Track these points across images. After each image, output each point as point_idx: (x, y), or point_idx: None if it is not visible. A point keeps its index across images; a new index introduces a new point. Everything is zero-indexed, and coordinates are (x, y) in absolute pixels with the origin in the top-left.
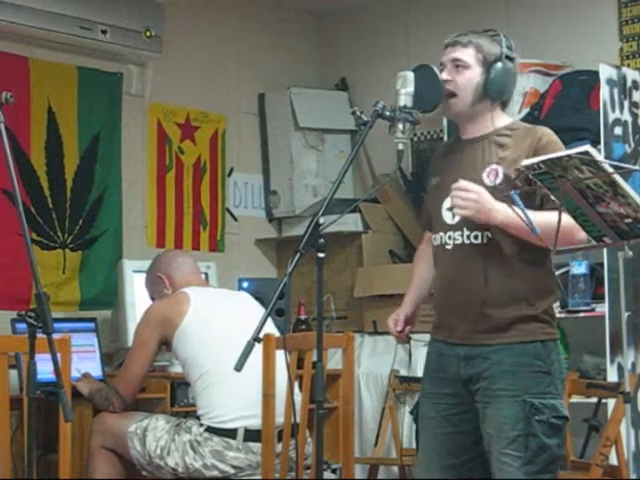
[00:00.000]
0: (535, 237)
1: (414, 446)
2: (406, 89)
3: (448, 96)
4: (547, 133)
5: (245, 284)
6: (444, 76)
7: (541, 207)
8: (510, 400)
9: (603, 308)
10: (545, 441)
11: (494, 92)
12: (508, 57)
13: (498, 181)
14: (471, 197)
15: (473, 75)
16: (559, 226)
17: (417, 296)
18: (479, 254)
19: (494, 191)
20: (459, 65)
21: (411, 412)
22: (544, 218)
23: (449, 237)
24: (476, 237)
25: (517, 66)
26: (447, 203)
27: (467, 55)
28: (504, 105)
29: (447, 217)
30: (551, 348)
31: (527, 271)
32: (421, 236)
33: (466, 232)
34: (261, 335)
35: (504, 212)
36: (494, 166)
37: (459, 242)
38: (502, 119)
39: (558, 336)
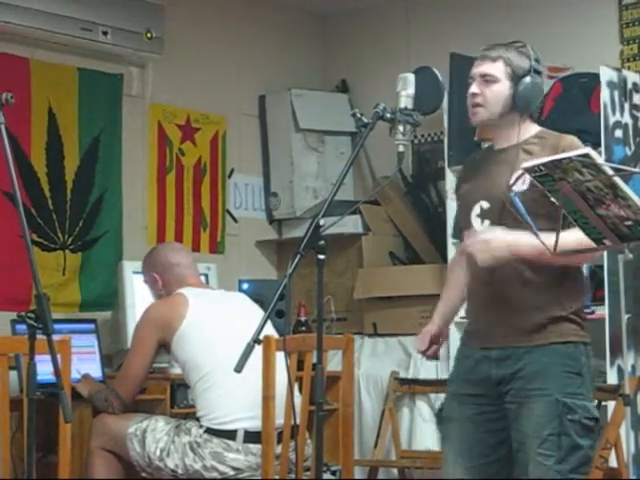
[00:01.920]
0: (560, 259)
1: (413, 448)
2: (406, 91)
3: (475, 106)
4: (571, 144)
5: (245, 285)
6: (473, 89)
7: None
8: (544, 399)
9: (603, 311)
10: (578, 441)
11: (522, 105)
12: (536, 71)
13: (525, 187)
14: (477, 248)
15: (502, 89)
16: (559, 230)
17: (446, 312)
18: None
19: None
20: (488, 79)
21: (436, 414)
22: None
23: None
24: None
25: (544, 78)
26: (477, 209)
27: (496, 69)
28: (532, 116)
29: (477, 223)
30: (582, 350)
31: (557, 273)
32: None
33: None
34: (261, 337)
35: (525, 241)
36: (520, 172)
37: None
38: (531, 129)
39: (589, 340)
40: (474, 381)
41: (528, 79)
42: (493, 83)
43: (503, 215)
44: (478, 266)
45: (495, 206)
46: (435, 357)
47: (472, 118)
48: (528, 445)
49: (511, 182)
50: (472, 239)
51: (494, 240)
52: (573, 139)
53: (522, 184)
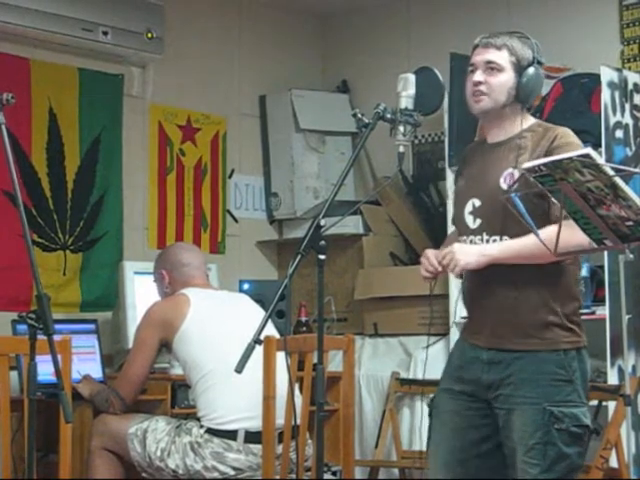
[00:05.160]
0: (535, 258)
1: (414, 448)
2: (407, 91)
3: (478, 94)
4: (563, 134)
5: (246, 286)
6: (477, 77)
7: (549, 209)
8: (530, 408)
9: (604, 311)
10: (564, 450)
11: (525, 96)
12: (539, 62)
13: (511, 182)
14: (449, 257)
15: (507, 78)
16: (560, 229)
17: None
18: None
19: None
20: (493, 67)
21: (428, 405)
22: (546, 234)
23: (471, 241)
24: (495, 242)
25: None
26: (469, 207)
27: (501, 58)
28: (529, 109)
29: (469, 221)
30: (573, 356)
31: (548, 276)
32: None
33: (485, 237)
34: (261, 337)
35: (494, 247)
36: (510, 170)
37: None
38: (528, 121)
39: (583, 344)
40: (465, 379)
41: (532, 70)
42: (498, 72)
43: (495, 213)
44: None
45: (486, 204)
46: (434, 277)
47: (474, 106)
48: (514, 452)
49: (501, 183)
50: (439, 256)
51: (457, 252)
52: (565, 130)
53: (510, 179)
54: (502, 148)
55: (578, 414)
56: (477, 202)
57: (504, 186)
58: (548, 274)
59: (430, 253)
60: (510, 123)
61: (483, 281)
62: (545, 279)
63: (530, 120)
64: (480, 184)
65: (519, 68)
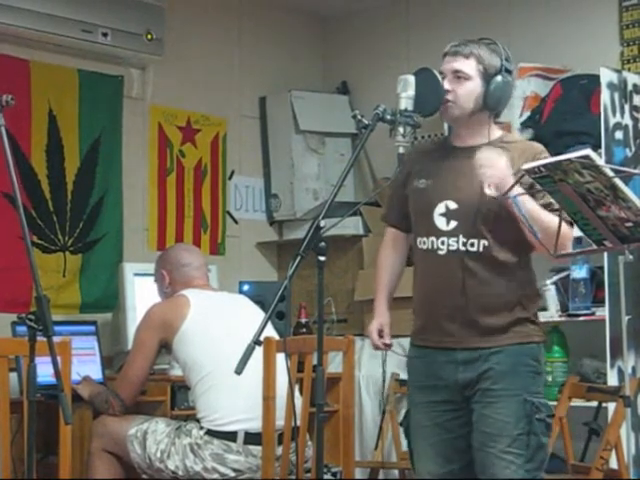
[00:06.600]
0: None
1: None
2: (407, 92)
3: (445, 102)
4: (544, 150)
5: (246, 287)
6: (445, 86)
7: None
8: (512, 399)
9: (603, 312)
10: (542, 440)
11: (492, 104)
12: (507, 69)
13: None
14: (491, 171)
15: (474, 86)
16: (559, 232)
17: (390, 301)
18: (475, 261)
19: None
20: (460, 76)
21: (401, 424)
22: (548, 220)
23: (442, 242)
24: (472, 245)
25: (514, 77)
26: (441, 208)
27: (468, 67)
28: (497, 116)
29: (440, 223)
30: (542, 351)
31: (519, 276)
32: (384, 231)
33: (462, 239)
34: (261, 338)
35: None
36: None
37: (454, 248)
38: (496, 131)
39: (545, 339)
40: (438, 387)
41: (499, 78)
42: (466, 80)
43: (475, 216)
44: (436, 268)
45: (464, 207)
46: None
47: (443, 114)
48: (492, 445)
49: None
50: (491, 168)
51: (505, 177)
52: (541, 145)
53: (518, 186)
54: (479, 152)
55: (548, 405)
56: (452, 204)
57: (489, 192)
58: (519, 273)
59: (371, 329)
60: (479, 129)
61: (447, 281)
62: (516, 277)
63: (497, 129)
64: (455, 186)
65: (487, 76)
